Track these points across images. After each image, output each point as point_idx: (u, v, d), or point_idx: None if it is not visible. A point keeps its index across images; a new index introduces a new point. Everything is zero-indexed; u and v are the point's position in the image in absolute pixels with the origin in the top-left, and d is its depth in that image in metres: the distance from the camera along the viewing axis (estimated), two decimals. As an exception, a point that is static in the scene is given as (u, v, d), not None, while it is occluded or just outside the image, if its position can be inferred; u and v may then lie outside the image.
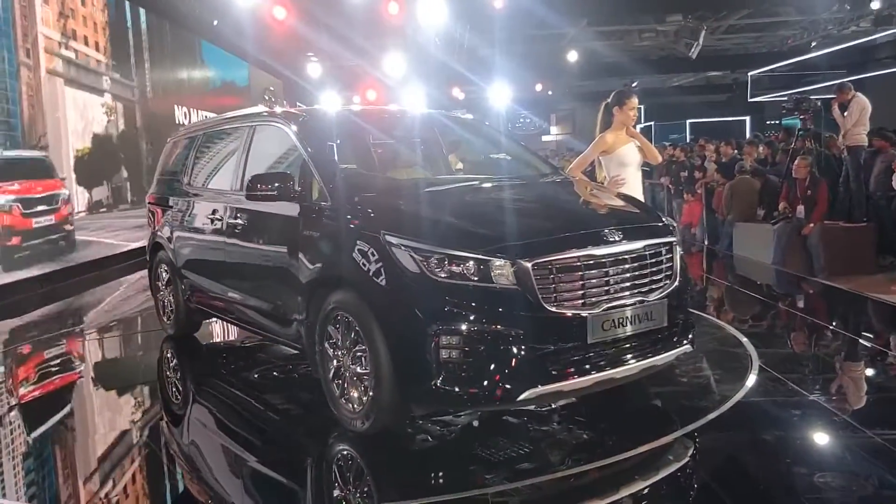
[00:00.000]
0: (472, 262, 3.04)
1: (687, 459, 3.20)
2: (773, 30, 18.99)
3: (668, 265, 3.42)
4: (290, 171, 4.00)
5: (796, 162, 8.26)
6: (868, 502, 2.79)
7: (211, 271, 4.83)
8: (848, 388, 4.31)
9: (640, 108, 27.81)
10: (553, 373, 3.04)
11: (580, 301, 3.10)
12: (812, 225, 7.86)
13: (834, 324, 5.93)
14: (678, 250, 3.52)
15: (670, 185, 12.06)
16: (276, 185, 3.81)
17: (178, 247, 5.21)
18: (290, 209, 3.83)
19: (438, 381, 3.01)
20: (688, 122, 26.70)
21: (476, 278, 3.03)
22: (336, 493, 3.10)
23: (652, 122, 27.32)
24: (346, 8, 12.77)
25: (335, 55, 16.79)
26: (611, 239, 3.21)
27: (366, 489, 3.09)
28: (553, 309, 3.03)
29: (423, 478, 3.10)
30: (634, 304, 3.21)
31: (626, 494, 2.93)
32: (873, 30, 16.73)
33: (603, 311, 3.11)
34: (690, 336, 3.55)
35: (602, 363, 3.14)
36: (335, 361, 3.49)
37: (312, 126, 4.29)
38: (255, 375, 4.73)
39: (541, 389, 3.02)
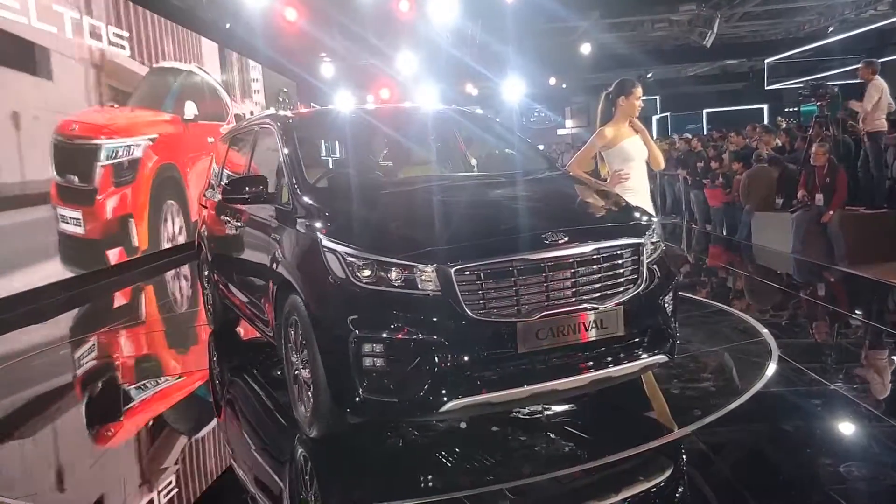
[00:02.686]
0: (396, 268, 2.95)
1: (707, 451, 3.16)
2: (788, 16, 18.75)
3: (631, 268, 3.16)
4: (278, 173, 4.03)
5: (814, 149, 8.16)
6: (894, 491, 2.75)
7: (226, 270, 5.05)
8: (870, 377, 4.25)
9: (656, 99, 27.76)
10: (479, 383, 2.90)
11: (514, 308, 2.92)
12: (831, 212, 7.76)
13: (855, 312, 5.85)
14: (649, 252, 3.26)
15: (687, 177, 11.96)
16: (249, 188, 3.87)
17: (209, 246, 5.46)
18: (270, 212, 3.88)
19: (361, 390, 2.94)
20: (704, 111, 26.47)
21: (401, 284, 2.94)
22: (286, 496, 3.10)
23: (668, 113, 27.13)
24: (357, 7, 12.79)
25: (348, 55, 16.84)
26: (553, 242, 3.01)
27: (315, 493, 3.08)
28: (478, 316, 2.88)
29: (377, 483, 3.06)
30: (580, 311, 3.00)
31: (647, 487, 2.92)
32: (892, 13, 16.47)
33: (538, 318, 2.92)
34: (667, 346, 3.29)
35: (538, 374, 2.97)
36: (293, 365, 3.48)
37: (294, 128, 4.26)
38: (278, 372, 4.78)
39: (466, 400, 2.88)
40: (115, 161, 9.18)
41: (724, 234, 10.28)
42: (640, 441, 3.22)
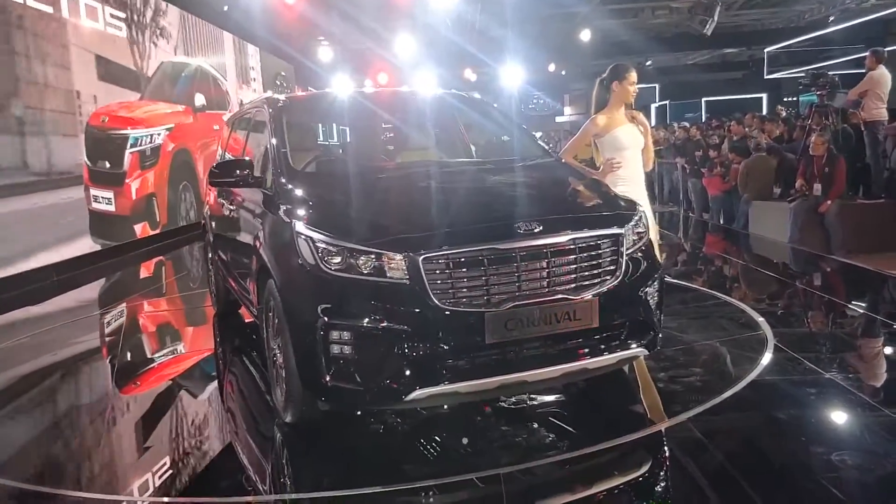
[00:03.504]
0: (365, 256, 2.91)
1: (701, 438, 3.17)
2: (789, 5, 18.65)
3: (610, 259, 3.10)
4: (265, 157, 4.03)
5: (813, 139, 8.14)
6: (886, 481, 2.76)
7: (224, 253, 5.08)
8: (865, 366, 4.27)
9: (655, 87, 27.63)
10: (444, 373, 2.87)
11: (484, 298, 2.87)
12: (829, 202, 7.76)
13: (851, 302, 5.86)
14: (630, 242, 3.20)
15: (686, 165, 11.94)
16: (234, 171, 3.86)
17: (212, 227, 5.50)
18: (258, 196, 3.86)
19: (328, 377, 2.93)
20: (703, 100, 26.39)
21: (370, 272, 2.90)
22: (261, 478, 3.10)
23: (667, 101, 27.05)
24: (357, -10, 12.70)
25: (346, 38, 16.75)
26: (527, 231, 2.96)
27: (289, 477, 3.09)
28: (445, 306, 2.83)
29: (350, 469, 3.04)
30: (553, 302, 2.94)
31: (639, 475, 2.93)
32: (893, 3, 16.40)
33: (507, 309, 2.87)
34: (647, 339, 3.23)
35: (507, 365, 2.93)
36: (272, 350, 3.47)
37: (284, 112, 4.23)
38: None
39: (431, 390, 2.86)
40: (141, 148, 10.42)
41: (722, 222, 10.28)
42: (630, 430, 3.22)
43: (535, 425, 3.40)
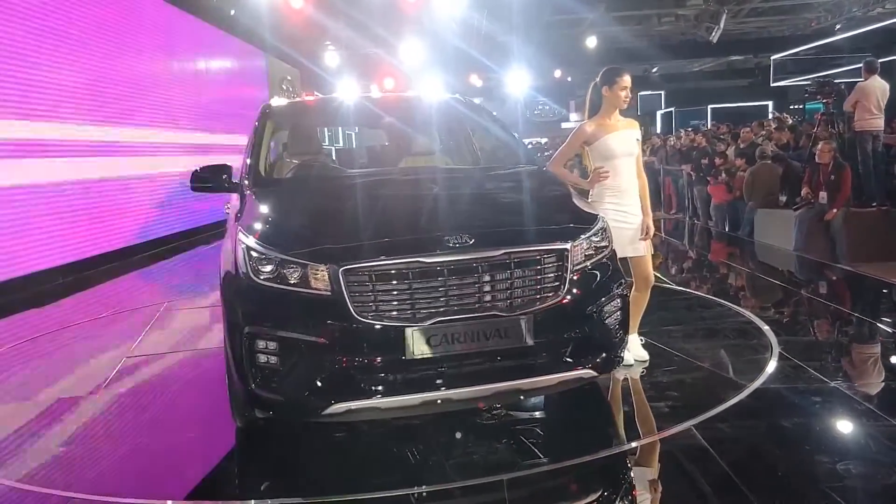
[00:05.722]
0: (291, 266, 2.87)
1: (706, 446, 3.16)
2: (796, 13, 18.70)
3: (553, 275, 2.97)
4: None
5: (819, 147, 8.13)
6: (891, 490, 2.75)
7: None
8: (870, 375, 4.25)
9: (661, 94, 27.63)
10: (362, 388, 2.81)
11: (408, 312, 2.80)
12: (835, 210, 7.74)
13: (856, 310, 5.85)
14: (580, 258, 3.08)
15: (691, 172, 11.93)
16: (211, 176, 3.87)
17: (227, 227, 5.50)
18: (236, 202, 3.85)
19: (254, 385, 2.90)
20: (709, 107, 26.37)
21: (295, 282, 2.86)
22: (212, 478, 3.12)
23: (672, 109, 27.08)
24: (363, -4, 12.76)
25: (353, 43, 16.81)
26: (460, 244, 2.86)
27: (232, 480, 3.11)
28: (365, 319, 2.77)
29: (291, 478, 3.05)
30: (479, 318, 2.84)
31: (644, 481, 2.94)
32: (899, 11, 16.42)
33: (431, 324, 2.78)
34: (596, 360, 3.08)
35: (430, 382, 2.84)
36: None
37: (270, 118, 4.22)
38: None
39: (349, 405, 2.80)
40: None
41: (727, 230, 10.27)
42: (634, 437, 3.23)
43: (484, 443, 3.31)
